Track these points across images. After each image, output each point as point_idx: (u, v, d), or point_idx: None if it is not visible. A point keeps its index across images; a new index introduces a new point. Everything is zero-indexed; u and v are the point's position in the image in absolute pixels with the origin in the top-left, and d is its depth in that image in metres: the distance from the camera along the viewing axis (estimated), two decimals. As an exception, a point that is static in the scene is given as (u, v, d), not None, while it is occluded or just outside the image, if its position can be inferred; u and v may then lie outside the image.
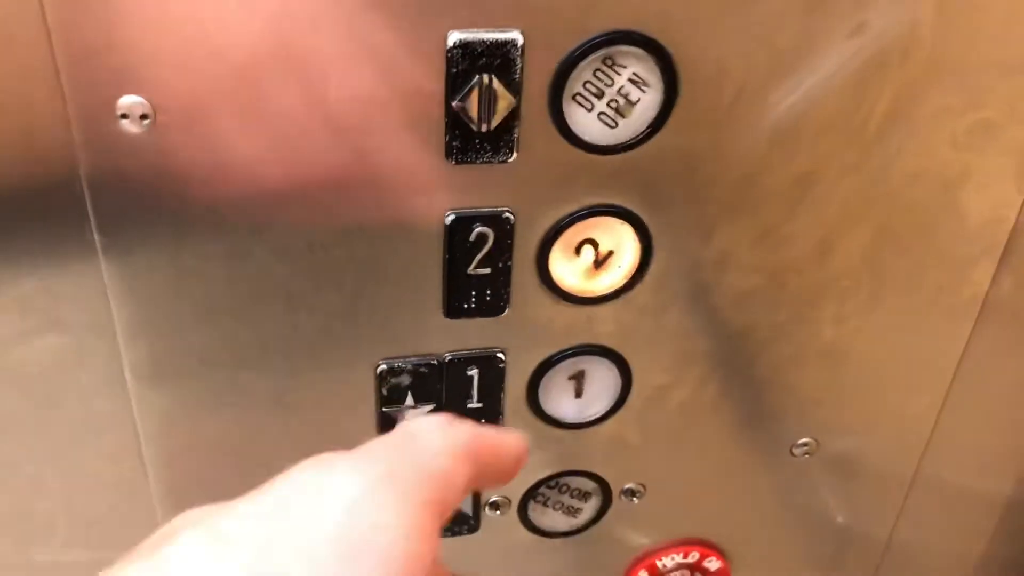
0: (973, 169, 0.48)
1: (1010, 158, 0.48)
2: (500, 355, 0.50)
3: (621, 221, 0.46)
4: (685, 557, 0.62)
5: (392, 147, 0.42)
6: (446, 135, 0.42)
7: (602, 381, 0.53)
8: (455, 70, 0.40)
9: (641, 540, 0.61)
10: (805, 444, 0.58)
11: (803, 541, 0.65)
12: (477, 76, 0.40)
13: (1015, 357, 0.59)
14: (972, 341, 0.56)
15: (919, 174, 0.48)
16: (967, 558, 0.71)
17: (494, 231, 0.45)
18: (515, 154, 0.43)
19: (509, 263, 0.46)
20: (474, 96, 0.41)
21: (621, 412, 0.54)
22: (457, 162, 0.43)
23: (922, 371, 0.57)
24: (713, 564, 0.62)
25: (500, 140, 0.42)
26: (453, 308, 0.47)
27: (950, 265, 0.52)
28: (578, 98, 0.42)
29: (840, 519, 0.64)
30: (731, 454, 0.58)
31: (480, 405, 0.51)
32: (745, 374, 0.54)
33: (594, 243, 0.47)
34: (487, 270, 0.46)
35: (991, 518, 0.69)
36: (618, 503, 0.58)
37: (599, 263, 0.48)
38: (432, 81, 0.41)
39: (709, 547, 0.62)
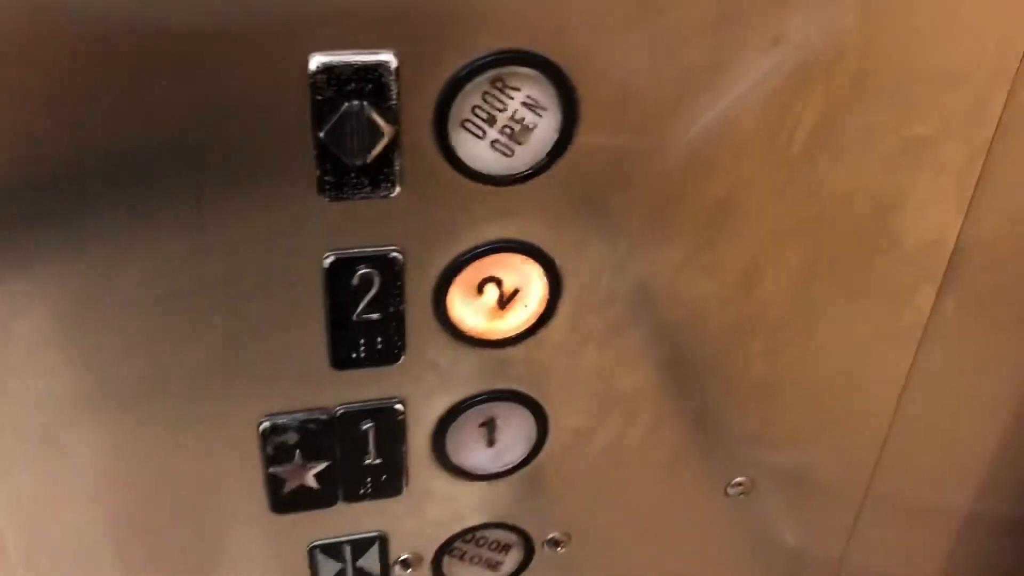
0: (908, 190, 0.44)
1: (948, 177, 0.44)
2: (398, 406, 0.45)
3: (525, 257, 0.42)
4: (617, 606, 0.57)
5: (259, 183, 0.37)
6: (317, 170, 0.37)
7: (516, 427, 0.48)
8: (320, 98, 0.35)
9: (570, 589, 0.57)
10: (739, 484, 0.54)
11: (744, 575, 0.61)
12: (346, 103, 0.35)
13: (961, 377, 0.55)
14: (916, 362, 0.53)
15: (850, 196, 0.44)
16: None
17: (380, 272, 0.40)
18: (398, 188, 0.38)
19: (401, 307, 0.41)
20: (344, 126, 0.36)
21: (539, 459, 0.49)
22: (332, 199, 0.38)
23: (865, 398, 0.54)
24: (647, 612, 0.58)
25: (380, 173, 0.37)
26: (340, 358, 0.42)
27: (888, 292, 0.48)
28: (467, 125, 0.38)
29: (788, 547, 0.60)
30: (661, 498, 0.53)
31: (379, 461, 0.46)
32: (672, 413, 0.50)
33: (497, 281, 0.43)
34: (376, 315, 0.41)
35: (945, 536, 0.66)
36: (542, 553, 0.54)
37: (504, 302, 0.43)
38: (297, 110, 0.36)
39: (643, 594, 0.58)
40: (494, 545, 0.53)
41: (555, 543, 0.53)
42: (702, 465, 0.52)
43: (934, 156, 0.44)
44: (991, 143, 0.44)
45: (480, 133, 0.38)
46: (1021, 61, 0.42)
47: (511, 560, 0.54)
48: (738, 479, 0.54)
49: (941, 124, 0.42)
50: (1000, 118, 0.43)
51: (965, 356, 0.54)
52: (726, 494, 0.54)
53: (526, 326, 0.44)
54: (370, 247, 0.40)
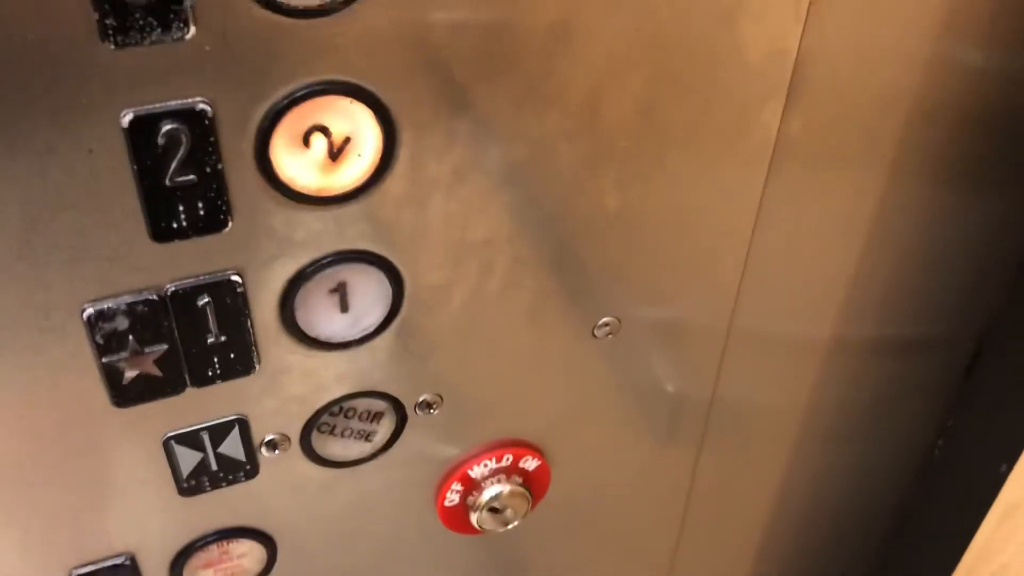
0: (745, -4, 0.43)
1: (783, -21, 0.43)
2: (235, 277, 0.42)
3: (351, 100, 0.39)
4: (499, 461, 0.57)
5: (27, 30, 0.33)
6: (95, 12, 0.32)
7: (369, 290, 0.46)
8: (80, -79, 0.30)
9: (449, 452, 0.56)
10: (607, 324, 0.53)
11: (621, 419, 0.62)
12: (114, -73, 0.31)
13: (813, 197, 0.55)
14: (768, 186, 0.52)
15: (688, 8, 0.42)
16: (794, 407, 0.70)
17: (189, 128, 0.36)
18: (192, 28, 0.34)
19: (219, 166, 0.38)
20: (116, -45, 0.31)
21: (398, 321, 0.47)
22: (118, 45, 0.33)
23: (721, 225, 0.53)
24: (530, 464, 0.58)
25: (168, 11, 0.33)
26: (159, 229, 0.39)
27: (735, 107, 0.47)
28: (262, -51, 0.34)
29: (659, 388, 0.61)
30: (529, 346, 0.52)
31: (224, 339, 0.43)
32: (530, 258, 0.48)
33: (324, 130, 0.39)
34: (191, 177, 0.38)
35: (812, 365, 0.67)
36: (415, 418, 0.52)
37: (335, 154, 0.40)
38: (58, -60, 0.31)
39: (523, 446, 0.57)
40: (364, 415, 0.51)
41: (427, 405, 0.52)
42: (566, 309, 0.51)
43: (768, -42, 0.42)
44: (826, -56, 0.43)
45: (279, -42, 0.34)
46: None
47: (384, 429, 0.52)
48: (604, 319, 0.53)
49: (772, -81, 0.41)
50: (831, -86, 0.42)
51: (815, 178, 0.54)
52: (594, 336, 0.53)
53: (364, 178, 0.41)
54: (173, 100, 0.36)
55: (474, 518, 0.58)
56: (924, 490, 0.76)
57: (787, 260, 0.58)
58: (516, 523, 0.59)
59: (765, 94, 0.47)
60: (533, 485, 0.59)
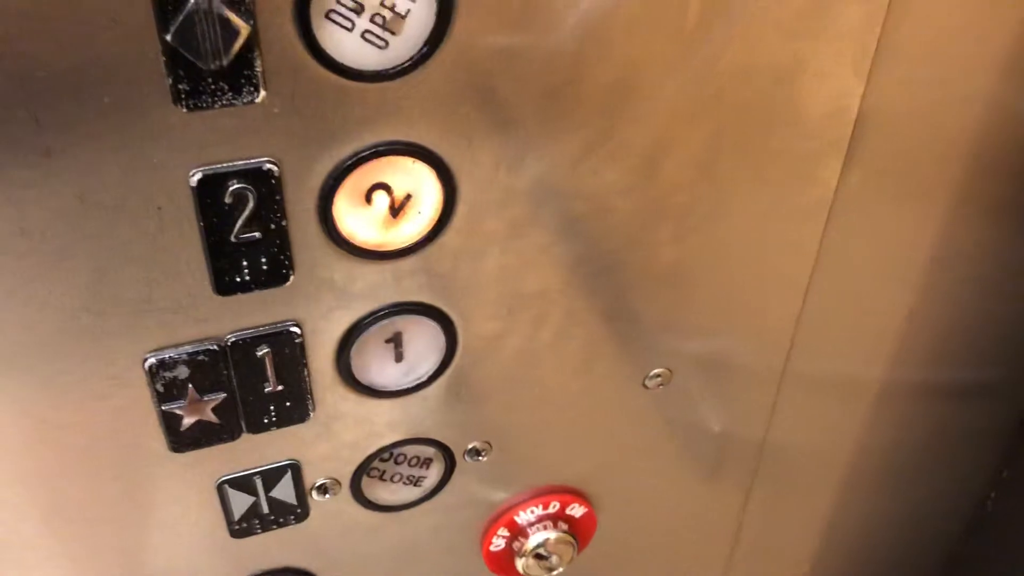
0: (806, 57, 0.42)
1: (845, 42, 0.43)
2: (294, 328, 0.42)
3: (413, 159, 0.39)
4: (545, 508, 0.57)
5: (104, 95, 0.33)
6: (169, 77, 0.33)
7: (423, 340, 0.46)
8: (160, -6, 0.31)
9: (496, 497, 0.56)
10: (658, 375, 0.53)
11: (671, 465, 0.61)
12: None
13: (870, 249, 0.55)
14: (826, 240, 0.52)
15: (749, 69, 0.42)
16: (844, 451, 0.69)
17: (255, 187, 0.37)
18: (263, 92, 0.35)
19: (283, 223, 0.38)
20: (192, 25, 0.32)
21: (451, 370, 0.48)
22: (190, 109, 0.34)
23: (776, 277, 0.53)
24: (577, 511, 0.58)
25: (240, 76, 0.34)
26: (223, 283, 0.39)
27: (793, 165, 0.47)
28: (333, 16, 0.34)
29: (711, 433, 0.60)
30: (579, 396, 0.52)
31: (281, 388, 0.44)
32: (582, 310, 0.48)
33: (387, 187, 0.40)
34: (256, 234, 0.38)
35: (863, 407, 0.67)
36: (463, 464, 0.53)
37: (396, 210, 0.41)
38: (138, 10, 0.32)
39: (570, 493, 0.57)
40: (414, 461, 0.51)
41: (476, 452, 0.52)
42: (618, 359, 0.51)
43: (831, 20, 0.42)
44: (889, 3, 0.43)
45: (348, 24, 0.34)
46: (915, -88, 0.40)
47: (433, 474, 0.52)
48: (655, 370, 0.53)
49: (837, -16, 0.40)
50: (897, -25, 0.42)
51: (873, 228, 0.53)
52: (645, 387, 0.53)
53: (423, 234, 0.42)
54: (240, 160, 0.36)
55: (520, 564, 0.58)
56: (975, 543, 0.75)
57: (842, 306, 0.57)
58: (561, 570, 0.59)
59: (824, 151, 0.47)
60: (579, 532, 0.58)
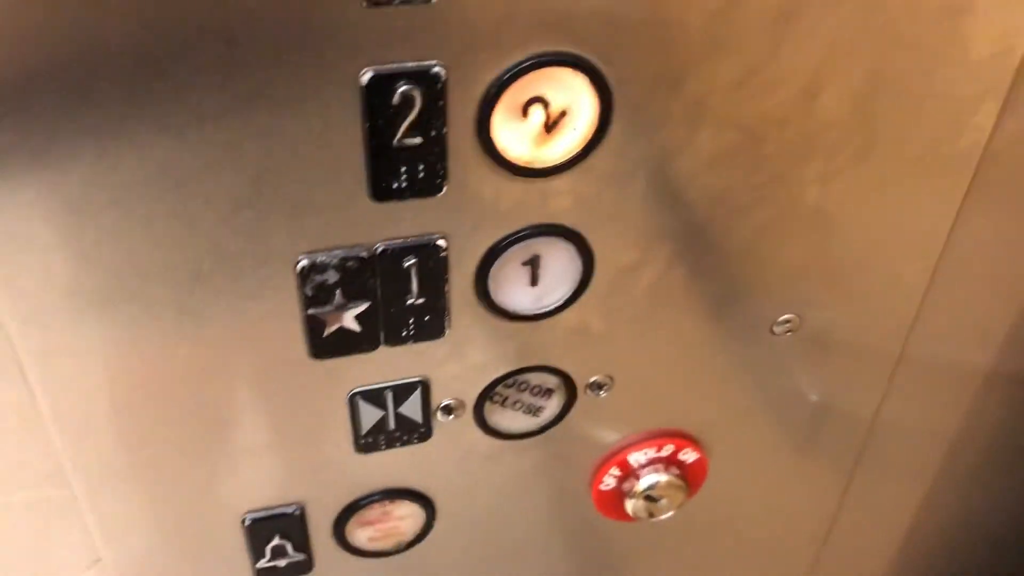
0: (981, -11, 0.41)
1: (1024, -25, 0.41)
2: (441, 242, 0.43)
3: (575, 72, 0.39)
4: (659, 451, 0.56)
5: (288, -10, 0.34)
6: (353, -31, 0.34)
7: (560, 265, 0.46)
8: None
9: (611, 436, 0.56)
10: (787, 321, 0.52)
11: (783, 424, 0.61)
12: None
13: (1011, 215, 0.53)
14: (968, 197, 0.50)
15: (918, 1, 0.41)
16: (945, 433, 0.67)
17: (422, 90, 0.37)
18: (440, -8, 0.35)
19: (444, 130, 0.39)
20: (384, -85, 0.32)
21: (583, 299, 0.48)
22: (370, 3, 0.35)
23: (912, 234, 0.52)
24: (689, 456, 0.57)
25: (421, -27, 0.34)
26: (381, 189, 0.40)
27: (950, 108, 0.46)
28: (515, -83, 0.34)
29: (822, 398, 0.59)
30: (706, 337, 0.52)
31: (422, 301, 0.44)
32: (720, 247, 0.48)
33: (544, 101, 0.40)
34: (417, 139, 0.39)
35: (969, 393, 0.65)
36: (583, 398, 0.53)
37: (551, 126, 0.40)
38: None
39: (684, 438, 0.57)
40: (536, 390, 0.51)
41: (598, 386, 0.52)
42: (750, 301, 0.51)
43: (1011, -49, 0.40)
44: (1066, -58, 0.41)
45: (529, -73, 0.34)
46: None
47: (552, 405, 0.53)
48: (786, 316, 0.52)
49: (1025, -89, 0.39)
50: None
51: (1018, 192, 0.52)
52: (772, 332, 0.53)
53: (574, 152, 0.41)
54: (411, 61, 0.37)
55: (629, 505, 0.58)
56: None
57: (974, 277, 0.56)
58: (667, 515, 0.59)
59: (983, 94, 0.46)
60: (690, 478, 0.58)
